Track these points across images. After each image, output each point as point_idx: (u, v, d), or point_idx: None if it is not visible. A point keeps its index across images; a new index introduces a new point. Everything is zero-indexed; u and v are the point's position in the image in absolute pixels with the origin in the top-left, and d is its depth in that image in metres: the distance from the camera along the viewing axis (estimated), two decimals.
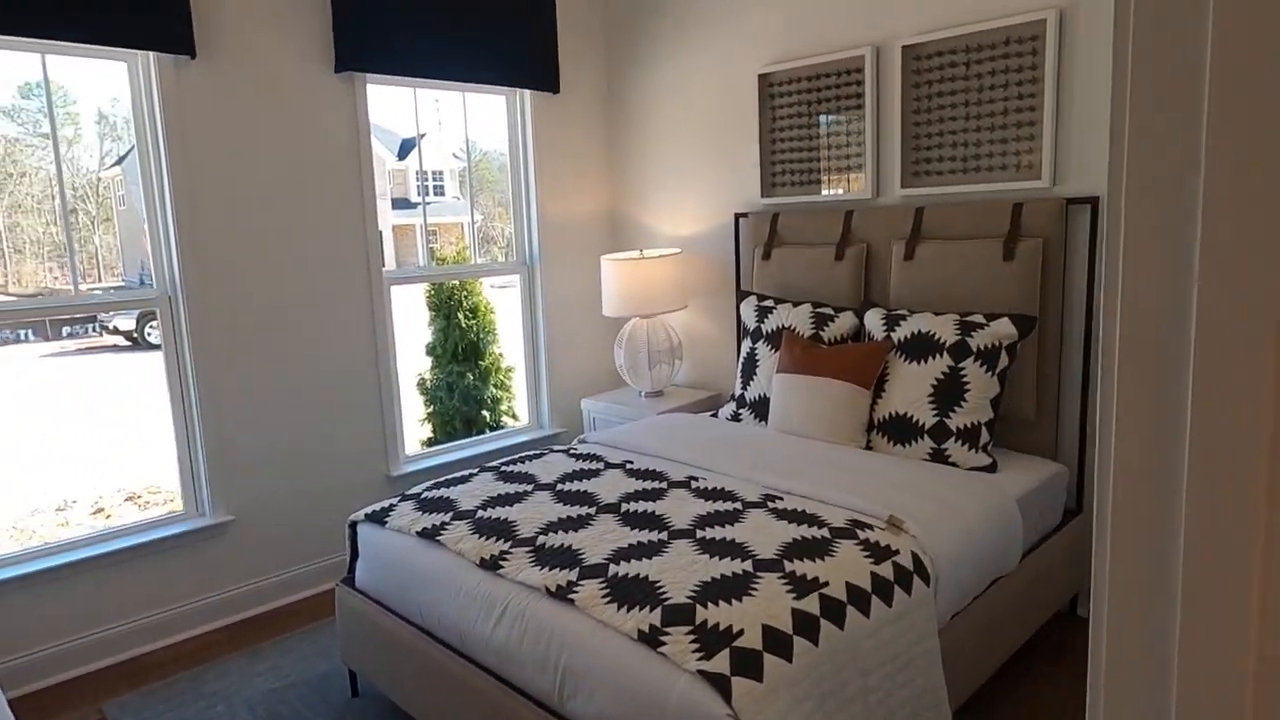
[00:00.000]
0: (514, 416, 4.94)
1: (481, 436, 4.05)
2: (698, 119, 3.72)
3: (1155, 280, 0.50)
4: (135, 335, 9.30)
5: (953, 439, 2.54)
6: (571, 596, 1.77)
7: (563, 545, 1.99)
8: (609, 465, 2.62)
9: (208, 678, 2.65)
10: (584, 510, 2.21)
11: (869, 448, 2.72)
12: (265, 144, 2.99)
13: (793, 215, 3.33)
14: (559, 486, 2.43)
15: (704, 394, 3.81)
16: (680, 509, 2.19)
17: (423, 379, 4.89)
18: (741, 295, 3.38)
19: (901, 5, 2.96)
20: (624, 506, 2.23)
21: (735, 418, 3.17)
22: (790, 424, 2.86)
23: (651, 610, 1.66)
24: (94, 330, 9.74)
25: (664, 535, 2.01)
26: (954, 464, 2.53)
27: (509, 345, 4.82)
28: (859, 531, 2.00)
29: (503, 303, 5.05)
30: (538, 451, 2.83)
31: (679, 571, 1.80)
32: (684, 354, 3.93)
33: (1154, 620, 0.54)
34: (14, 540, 4.68)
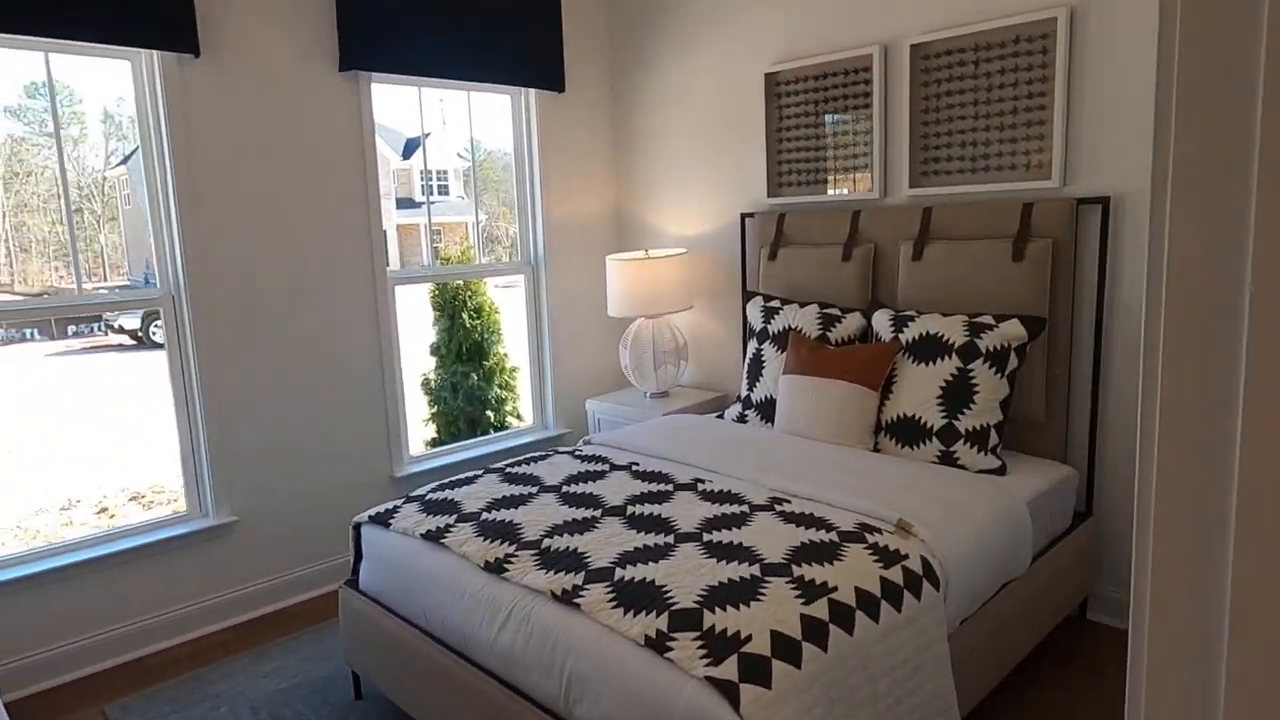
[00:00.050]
0: (518, 417, 4.92)
1: (486, 437, 4.04)
2: (704, 118, 3.70)
3: (1202, 279, 0.48)
4: (140, 334, 9.31)
5: (961, 441, 2.52)
6: (577, 601, 1.75)
7: (568, 548, 1.97)
8: (614, 467, 2.60)
9: (211, 679, 2.63)
10: (589, 513, 2.20)
11: (876, 450, 2.69)
12: (269, 143, 2.98)
13: (799, 215, 3.31)
14: (564, 489, 2.41)
15: (709, 395, 3.78)
16: (687, 512, 2.17)
17: (427, 379, 4.88)
18: (747, 296, 3.36)
19: (909, 4, 2.94)
20: (630, 509, 2.21)
21: (741, 419, 3.15)
22: (797, 425, 2.83)
23: (658, 615, 1.64)
24: (99, 329, 9.76)
25: (670, 539, 1.99)
26: (963, 466, 2.51)
27: (513, 345, 4.80)
28: (868, 535, 1.98)
29: (507, 302, 5.04)
30: (543, 453, 2.81)
31: (686, 576, 1.78)
32: (689, 355, 3.91)
33: (1200, 627, 0.52)
34: (18, 540, 4.67)
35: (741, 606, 1.64)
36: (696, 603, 1.66)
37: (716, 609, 1.64)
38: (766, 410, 3.04)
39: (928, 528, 2.05)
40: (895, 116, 3.04)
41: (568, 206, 3.96)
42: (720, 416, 3.27)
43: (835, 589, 1.73)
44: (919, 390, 2.62)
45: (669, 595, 1.70)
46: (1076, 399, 2.73)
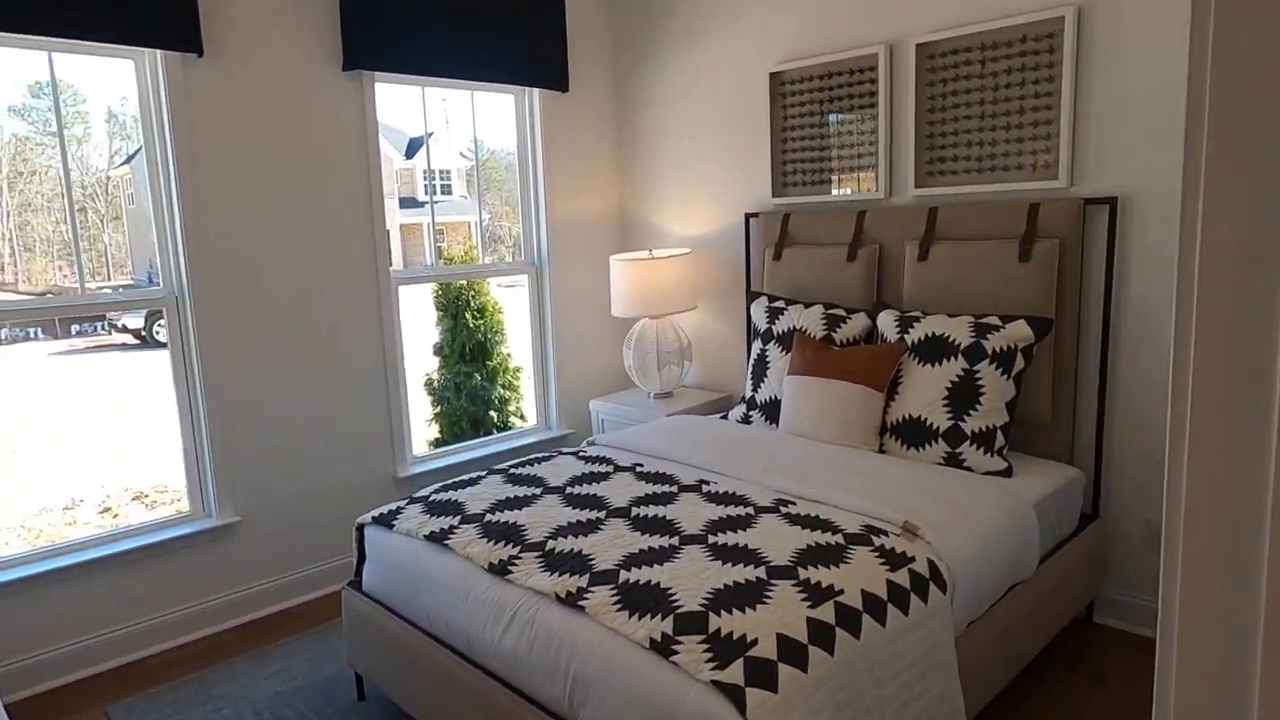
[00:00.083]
0: (522, 417, 4.92)
1: (489, 437, 4.03)
2: (708, 118, 3.68)
3: (1235, 276, 0.47)
4: (144, 333, 9.31)
5: (967, 443, 2.51)
6: (582, 603, 1.74)
7: (573, 550, 1.96)
8: (619, 468, 2.59)
9: (214, 680, 2.63)
10: (594, 514, 2.18)
11: (882, 451, 2.68)
12: (273, 143, 2.97)
13: (804, 215, 3.29)
14: (568, 490, 2.40)
15: (713, 395, 3.77)
16: (691, 513, 2.15)
17: (430, 379, 4.87)
18: (752, 296, 3.34)
19: (915, 3, 2.92)
20: (634, 511, 2.20)
21: (745, 420, 3.14)
22: (802, 426, 2.82)
23: (663, 618, 1.63)
24: (103, 328, 9.77)
25: (675, 540, 1.98)
26: (969, 468, 2.50)
27: (517, 345, 4.80)
28: (874, 538, 1.96)
29: (510, 302, 5.03)
30: (546, 454, 2.80)
31: (691, 578, 1.77)
32: (693, 355, 3.89)
33: (1232, 625, 0.50)
34: (22, 539, 4.68)
35: (747, 610, 1.63)
36: (702, 606, 1.65)
37: (722, 612, 1.62)
38: (771, 411, 3.03)
39: (934, 530, 2.03)
40: (901, 116, 3.02)
41: (571, 206, 3.95)
42: (724, 417, 3.25)
43: (841, 592, 1.72)
44: (925, 391, 2.61)
45: (674, 598, 1.69)
46: (1083, 400, 2.71)
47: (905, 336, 2.72)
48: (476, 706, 1.91)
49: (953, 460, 2.52)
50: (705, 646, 1.54)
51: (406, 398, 3.47)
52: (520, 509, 2.26)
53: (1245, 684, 0.51)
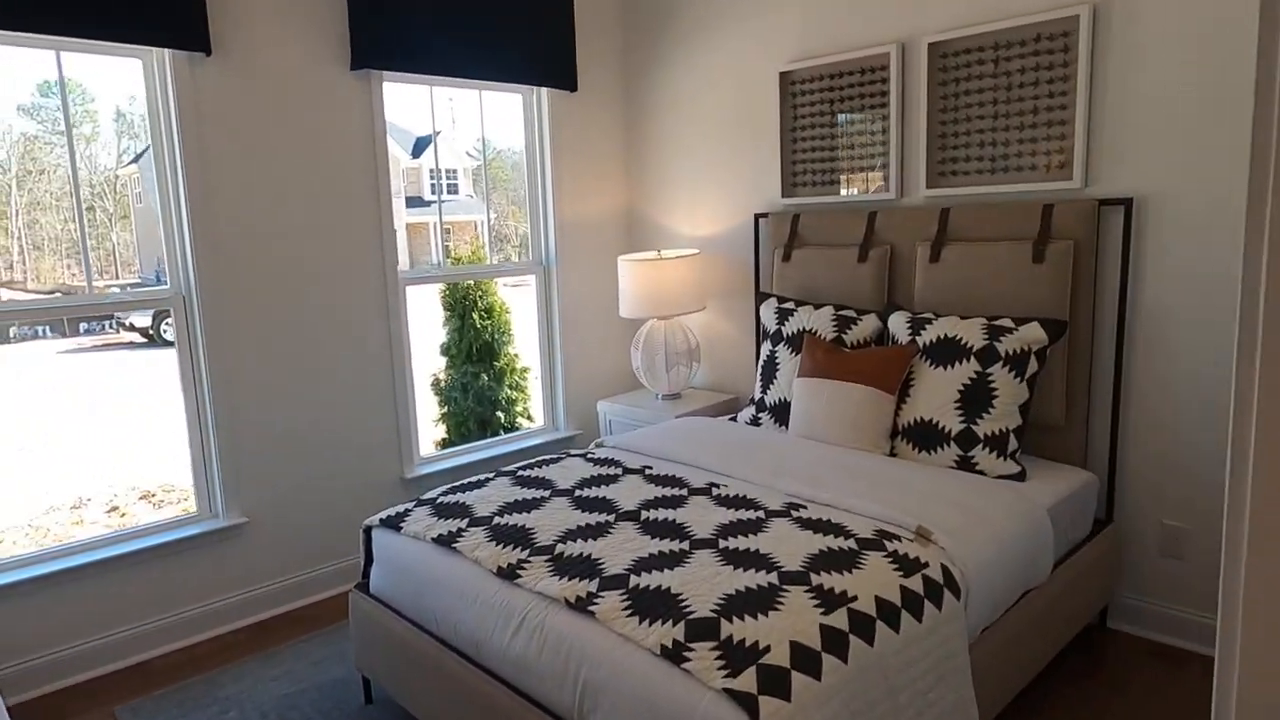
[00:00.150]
0: (529, 418, 4.90)
1: (496, 438, 4.02)
2: (717, 118, 3.66)
3: None
4: (151, 332, 9.33)
5: (980, 446, 2.48)
6: (592, 609, 1.72)
7: (582, 554, 1.95)
8: (627, 470, 2.57)
9: (221, 682, 2.62)
10: (603, 518, 2.17)
11: (893, 454, 2.66)
12: (280, 142, 2.96)
13: (814, 216, 3.27)
14: (577, 493, 2.38)
15: (722, 397, 3.75)
16: (701, 517, 2.13)
17: (437, 379, 4.86)
18: (761, 297, 3.32)
19: (927, 2, 2.89)
20: (644, 514, 2.18)
21: (755, 422, 3.12)
22: (812, 429, 2.80)
23: (674, 624, 1.61)
24: (110, 327, 9.78)
25: (685, 545, 1.96)
26: (981, 472, 2.47)
27: (524, 346, 4.78)
28: (886, 543, 1.94)
29: (517, 301, 5.01)
30: (554, 456, 2.79)
31: (702, 584, 1.75)
32: (702, 356, 3.87)
33: None
34: (30, 538, 4.68)
35: (759, 616, 1.61)
36: (713, 612, 1.63)
37: (734, 618, 1.60)
38: (780, 413, 3.01)
39: (947, 535, 2.01)
40: (912, 116, 2.99)
41: (579, 206, 3.93)
42: (733, 419, 3.23)
43: (855, 598, 1.69)
44: (937, 394, 2.58)
45: (685, 604, 1.67)
46: (1097, 403, 2.68)
47: (917, 338, 2.70)
48: (485, 711, 1.90)
49: (965, 464, 2.50)
50: (717, 654, 1.52)
51: (414, 398, 3.46)
52: (529, 512, 2.24)
53: None
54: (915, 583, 1.80)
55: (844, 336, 2.92)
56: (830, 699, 1.50)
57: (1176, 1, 2.38)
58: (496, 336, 4.82)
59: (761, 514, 2.14)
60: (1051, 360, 2.59)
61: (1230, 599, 0.52)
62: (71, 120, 2.75)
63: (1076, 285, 2.59)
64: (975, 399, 2.51)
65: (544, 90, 3.73)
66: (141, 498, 5.29)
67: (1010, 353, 2.49)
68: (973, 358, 2.54)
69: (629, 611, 1.68)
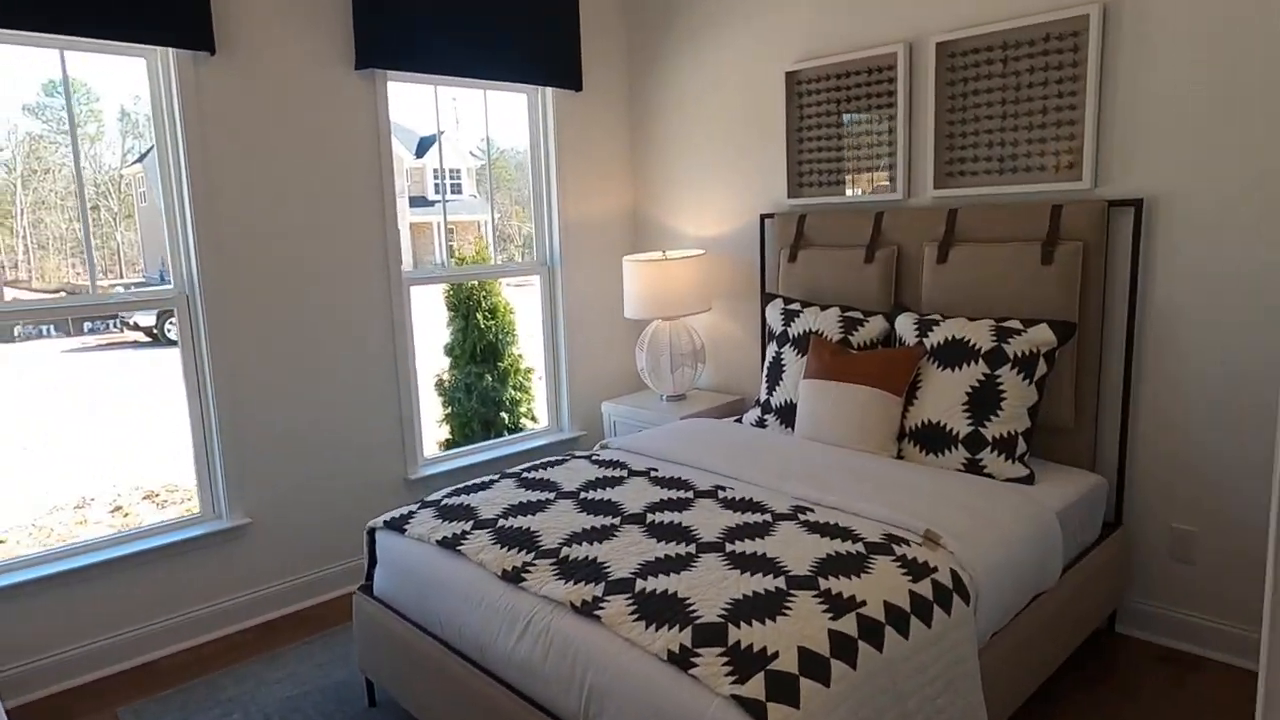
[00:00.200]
0: (533, 419, 4.89)
1: (500, 439, 4.00)
2: (723, 118, 3.64)
3: None
4: (155, 331, 9.34)
5: (988, 449, 2.46)
6: (598, 613, 1.70)
7: (587, 557, 1.93)
8: (633, 473, 2.55)
9: (224, 684, 2.61)
10: (608, 520, 2.15)
11: (900, 457, 2.64)
12: (284, 142, 2.95)
13: (820, 216, 3.25)
14: (582, 495, 2.36)
15: (727, 398, 3.73)
16: (708, 520, 2.12)
17: (441, 380, 4.85)
18: (767, 298, 3.30)
19: (935, 1, 2.87)
20: (649, 517, 2.16)
21: (760, 423, 3.10)
22: (819, 431, 2.78)
23: (681, 629, 1.59)
24: (115, 326, 9.79)
25: (692, 548, 1.94)
26: (989, 475, 2.45)
27: (528, 346, 4.77)
28: (895, 547, 1.92)
29: (521, 301, 5.00)
30: (559, 457, 2.77)
31: (709, 588, 1.73)
32: (707, 357, 3.86)
33: None
34: (33, 538, 4.68)
35: (767, 621, 1.59)
36: (721, 617, 1.61)
37: (741, 623, 1.59)
38: (786, 415, 2.99)
39: (956, 539, 1.99)
40: (920, 116, 2.97)
41: (584, 206, 3.91)
42: (738, 421, 3.21)
43: (864, 603, 1.68)
44: (944, 396, 2.56)
45: (692, 608, 1.65)
46: (1106, 406, 2.66)
47: (924, 340, 2.68)
48: (488, 715, 1.88)
49: (973, 467, 2.48)
50: (725, 659, 1.50)
51: (418, 398, 3.45)
52: (533, 514, 2.22)
53: None
54: (924, 587, 1.78)
55: (850, 338, 2.90)
56: (839, 706, 1.48)
57: (1187, 1, 2.36)
58: (500, 337, 4.80)
59: (768, 517, 2.12)
60: (1060, 362, 2.57)
61: (1277, 609, 0.51)
62: (76, 120, 2.74)
63: (1086, 287, 2.57)
64: (983, 401, 2.49)
65: (549, 90, 3.72)
66: (145, 498, 5.29)
67: (1019, 355, 2.47)
68: (981, 360, 2.52)
69: (635, 616, 1.66)
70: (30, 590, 2.56)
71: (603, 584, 1.79)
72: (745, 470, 2.51)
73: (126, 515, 5.03)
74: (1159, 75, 2.44)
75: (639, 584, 1.77)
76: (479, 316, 4.76)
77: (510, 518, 2.21)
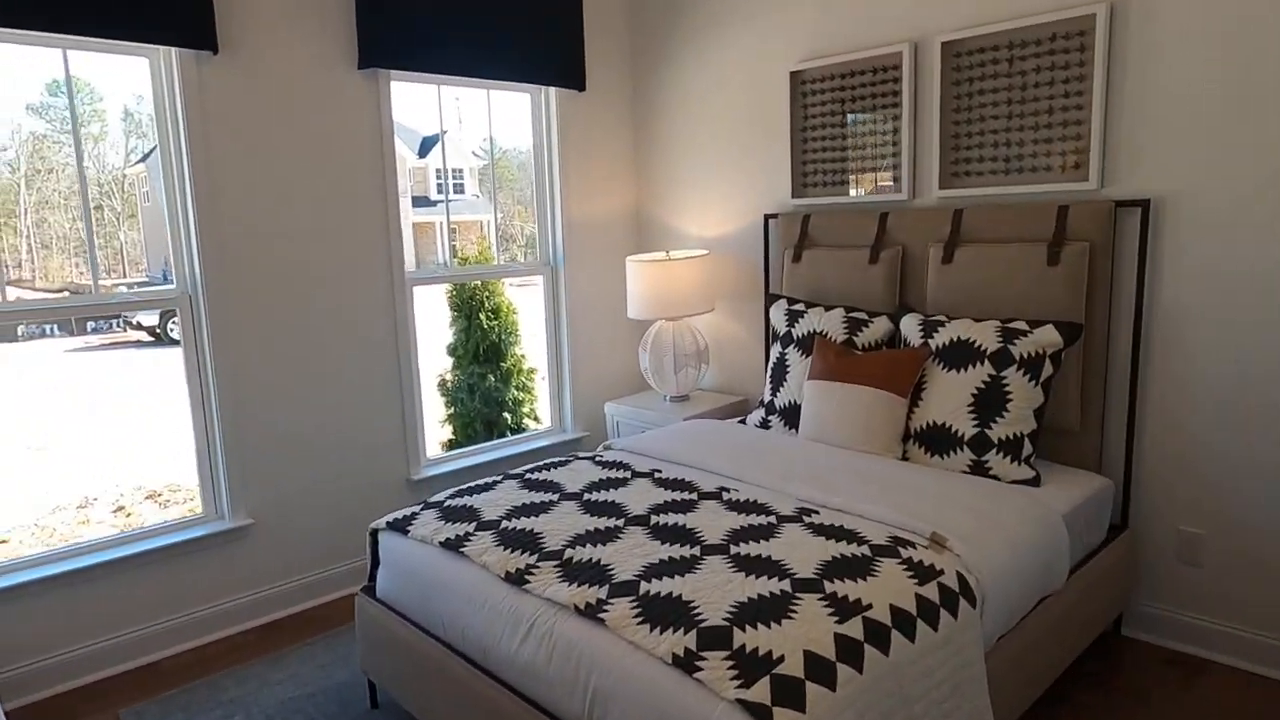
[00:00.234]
0: (536, 419, 4.88)
1: (503, 440, 3.99)
2: (727, 118, 3.63)
3: None
4: (158, 331, 9.34)
5: (994, 451, 2.45)
6: (602, 615, 1.69)
7: (591, 560, 1.92)
8: (636, 474, 2.54)
9: (226, 685, 2.60)
10: (612, 522, 2.14)
11: (905, 458, 2.62)
12: (287, 142, 2.94)
13: (825, 216, 3.24)
14: (586, 496, 2.35)
15: (731, 399, 3.72)
16: (712, 522, 2.11)
17: (443, 380, 4.84)
18: (771, 298, 3.29)
19: (941, 1, 2.86)
20: (653, 519, 2.15)
21: (764, 424, 3.09)
22: (823, 432, 2.77)
23: (686, 632, 1.58)
24: (118, 325, 9.80)
25: (696, 551, 1.93)
26: (995, 477, 2.44)
27: (531, 346, 4.76)
28: (901, 549, 1.91)
29: (524, 301, 4.99)
30: (562, 458, 2.76)
31: (713, 590, 1.72)
32: (710, 358, 3.85)
33: None
34: (36, 538, 4.68)
35: (773, 624, 1.58)
36: (726, 620, 1.60)
37: (747, 627, 1.58)
38: (790, 416, 2.98)
39: (962, 541, 1.98)
40: (925, 116, 2.96)
41: (587, 206, 3.90)
42: (742, 422, 3.20)
43: (870, 607, 1.66)
44: (949, 398, 2.55)
45: (697, 611, 1.64)
46: (1112, 407, 2.64)
47: (929, 341, 2.66)
48: (492, 718, 1.87)
49: (978, 469, 2.46)
50: (730, 663, 1.49)
51: (420, 400, 3.44)
52: (537, 516, 2.21)
53: None
54: (930, 590, 1.77)
55: (855, 339, 2.89)
56: (845, 710, 1.47)
57: (1196, 1, 2.35)
58: (503, 337, 4.80)
59: (773, 519, 2.11)
60: (1066, 363, 2.56)
61: None
62: (80, 119, 2.74)
63: (1092, 287, 2.55)
64: (989, 403, 2.47)
65: (552, 90, 3.71)
66: (148, 497, 5.28)
67: (1025, 356, 2.46)
68: (986, 361, 2.51)
69: (639, 619, 1.65)
70: (33, 591, 2.56)
71: (607, 586, 1.78)
72: (749, 472, 2.50)
73: (129, 515, 5.03)
74: (1166, 74, 2.42)
75: (643, 586, 1.76)
76: (482, 316, 4.75)
77: (513, 519, 2.20)
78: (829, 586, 1.72)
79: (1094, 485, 2.49)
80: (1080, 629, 2.34)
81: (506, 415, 4.79)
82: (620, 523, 2.13)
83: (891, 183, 3.09)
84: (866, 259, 3.04)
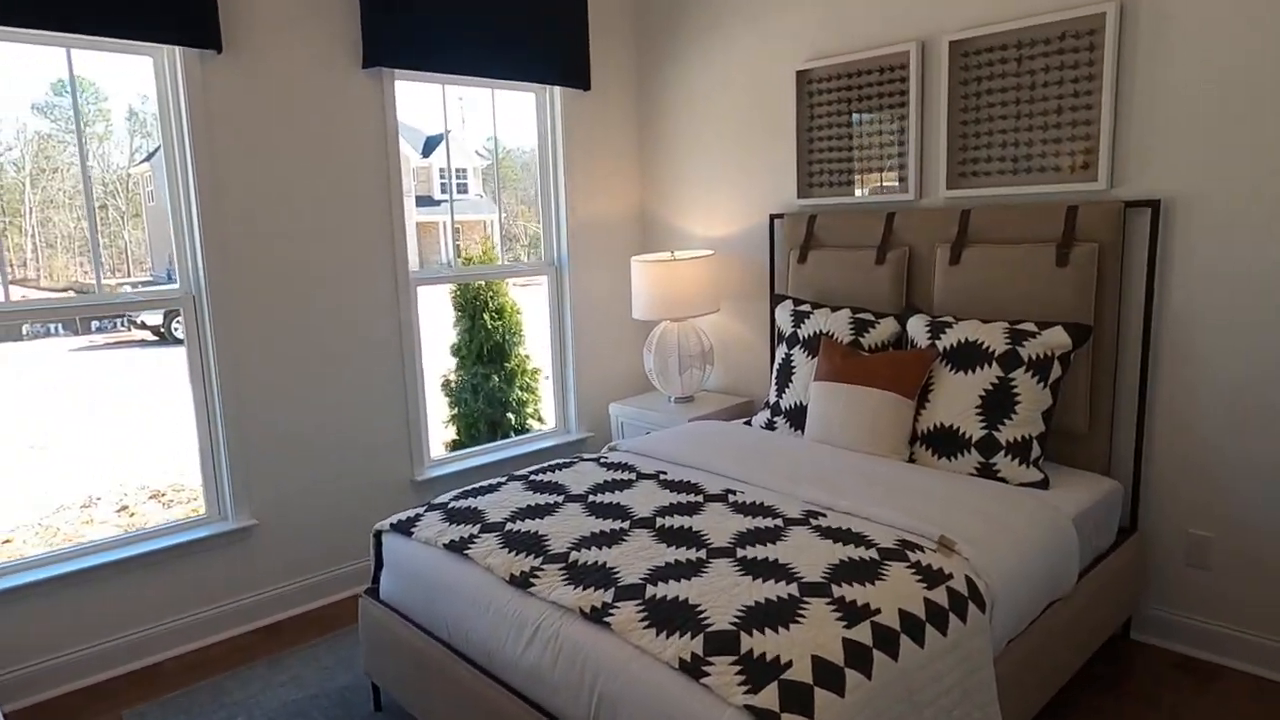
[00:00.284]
0: (540, 420, 4.87)
1: (507, 441, 3.98)
2: (732, 117, 3.61)
3: None
4: (162, 330, 9.35)
5: (1002, 453, 2.43)
6: (608, 619, 1.67)
7: (597, 562, 1.90)
8: (641, 476, 2.53)
9: (229, 687, 2.59)
10: (617, 525, 2.12)
11: (912, 460, 2.60)
12: (291, 141, 2.93)
13: (831, 217, 3.22)
14: (590, 498, 2.34)
15: (735, 400, 3.70)
16: (718, 525, 2.09)
17: (447, 380, 4.83)
18: (776, 299, 3.27)
19: None
20: (659, 521, 2.14)
21: (770, 426, 3.07)
22: (829, 434, 2.75)
23: (693, 637, 1.56)
24: (122, 325, 9.81)
25: (702, 553, 1.92)
26: (1003, 479, 2.42)
27: (535, 347, 4.75)
28: (909, 553, 1.89)
29: (528, 302, 4.98)
30: (567, 460, 2.75)
31: (720, 594, 1.70)
32: (715, 359, 3.83)
33: None
34: (40, 538, 4.68)
35: (780, 629, 1.57)
36: (733, 624, 1.59)
37: (754, 631, 1.56)
38: (796, 418, 2.96)
39: (970, 544, 1.96)
40: (932, 115, 2.94)
41: (592, 206, 3.89)
42: (748, 423, 3.18)
43: (878, 611, 1.65)
44: (957, 399, 2.53)
45: (703, 615, 1.63)
46: (1121, 409, 2.62)
47: (937, 342, 2.64)
48: None
49: (986, 471, 2.44)
50: (737, 668, 1.47)
51: (424, 400, 3.43)
52: (541, 518, 2.20)
53: None
54: (939, 595, 1.75)
55: (861, 340, 2.87)
56: (854, 716, 1.45)
57: (1207, 0, 2.33)
58: (507, 337, 4.79)
59: (780, 522, 2.09)
60: (1075, 365, 2.54)
61: None
62: (85, 119, 2.73)
63: (1101, 288, 2.53)
64: (997, 404, 2.45)
65: (557, 89, 3.69)
66: (151, 497, 5.28)
67: (1033, 357, 2.44)
68: (994, 362, 2.49)
69: (646, 623, 1.63)
70: (37, 591, 2.55)
71: (612, 590, 1.77)
72: (755, 473, 2.48)
73: (133, 515, 5.03)
74: (1177, 73, 2.40)
75: (649, 590, 1.75)
76: (486, 317, 4.74)
77: (518, 521, 2.19)
78: (837, 590, 1.71)
79: (1103, 488, 2.47)
80: (1089, 633, 2.32)
81: (510, 416, 4.78)
82: (626, 525, 2.12)
83: (898, 183, 3.07)
84: (873, 260, 3.02)
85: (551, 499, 2.34)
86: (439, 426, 4.69)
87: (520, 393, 4.81)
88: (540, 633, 1.78)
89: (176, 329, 8.98)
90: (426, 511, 2.35)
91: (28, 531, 4.76)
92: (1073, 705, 2.33)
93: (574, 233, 3.82)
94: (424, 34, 3.13)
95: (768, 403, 3.15)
